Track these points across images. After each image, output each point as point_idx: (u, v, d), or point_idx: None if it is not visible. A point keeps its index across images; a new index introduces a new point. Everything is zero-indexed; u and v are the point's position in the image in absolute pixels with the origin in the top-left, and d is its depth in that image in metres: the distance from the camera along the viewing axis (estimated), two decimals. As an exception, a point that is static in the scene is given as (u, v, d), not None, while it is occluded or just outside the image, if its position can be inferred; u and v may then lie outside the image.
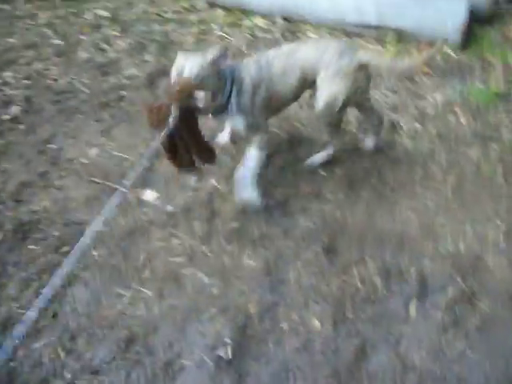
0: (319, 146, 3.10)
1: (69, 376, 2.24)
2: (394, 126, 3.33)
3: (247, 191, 2.75)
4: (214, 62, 2.51)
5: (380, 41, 4.00)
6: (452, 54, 3.90)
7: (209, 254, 2.65)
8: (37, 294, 2.48)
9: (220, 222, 2.78)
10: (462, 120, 3.36)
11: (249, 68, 2.67)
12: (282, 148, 3.18)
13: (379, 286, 2.51)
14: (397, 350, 2.29)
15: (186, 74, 2.44)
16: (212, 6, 4.46)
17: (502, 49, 4.00)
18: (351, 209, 2.84)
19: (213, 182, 2.99)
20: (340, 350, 2.29)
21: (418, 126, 3.33)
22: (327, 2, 4.05)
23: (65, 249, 2.66)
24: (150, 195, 2.94)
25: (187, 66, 2.46)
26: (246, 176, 2.75)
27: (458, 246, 2.67)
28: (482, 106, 3.47)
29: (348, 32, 4.11)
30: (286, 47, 2.82)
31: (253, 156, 2.75)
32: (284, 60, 2.70)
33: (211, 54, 2.51)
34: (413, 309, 2.44)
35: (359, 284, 2.51)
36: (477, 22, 4.14)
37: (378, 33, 4.01)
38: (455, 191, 2.93)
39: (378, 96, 3.54)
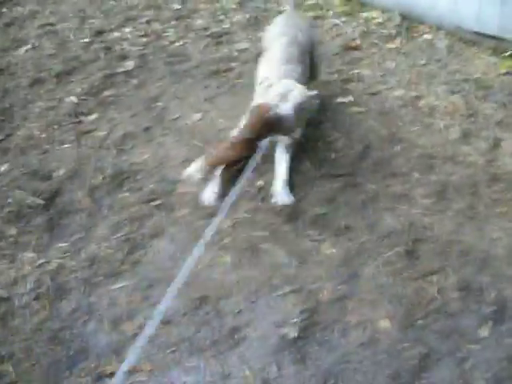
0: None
1: (141, 320, 2.37)
2: (498, 143, 3.21)
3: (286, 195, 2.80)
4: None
5: (497, 53, 3.84)
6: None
7: (290, 234, 2.70)
8: (126, 238, 2.63)
9: (307, 205, 2.82)
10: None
11: None
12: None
13: (456, 299, 2.46)
14: (462, 368, 2.24)
15: (290, 104, 2.54)
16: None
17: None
18: (440, 218, 2.78)
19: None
20: (404, 354, 2.27)
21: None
22: (448, 4, 3.93)
23: (157, 202, 2.80)
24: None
25: (294, 93, 2.57)
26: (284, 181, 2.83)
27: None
28: None
29: (465, 39, 3.98)
30: None
31: (287, 160, 2.87)
32: None
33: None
34: (486, 330, 2.37)
35: (436, 293, 2.47)
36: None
37: (497, 44, 3.86)
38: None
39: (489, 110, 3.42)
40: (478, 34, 3.91)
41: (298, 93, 2.60)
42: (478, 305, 2.45)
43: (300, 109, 2.59)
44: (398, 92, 3.51)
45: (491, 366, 2.25)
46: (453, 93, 3.54)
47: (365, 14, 4.23)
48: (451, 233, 2.71)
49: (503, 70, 3.74)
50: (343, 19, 4.18)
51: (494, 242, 2.70)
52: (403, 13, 4.14)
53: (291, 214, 2.78)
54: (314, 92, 2.72)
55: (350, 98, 3.44)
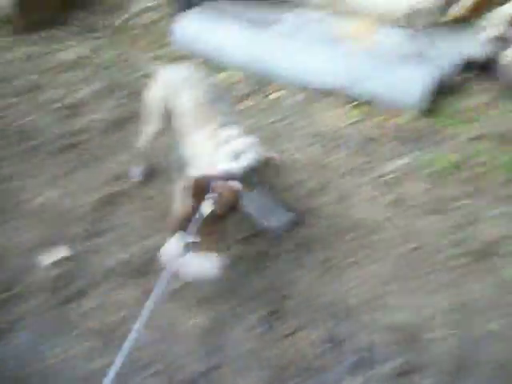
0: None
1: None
2: (351, 191, 3.39)
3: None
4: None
5: (345, 104, 4.10)
6: (414, 121, 4.02)
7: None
8: None
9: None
10: (421, 187, 3.44)
11: None
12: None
13: (322, 354, 2.50)
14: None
15: (242, 163, 2.42)
16: (182, 57, 4.53)
17: (461, 119, 4.15)
18: (302, 272, 2.85)
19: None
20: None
21: (375, 193, 3.39)
22: (300, 62, 4.14)
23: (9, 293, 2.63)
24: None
25: (246, 154, 2.44)
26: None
27: (405, 317, 2.69)
28: (441, 174, 3.56)
29: (315, 94, 4.21)
30: None
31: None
32: None
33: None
34: (355, 380, 2.44)
35: (305, 350, 2.50)
36: (441, 91, 4.31)
37: (346, 96, 4.12)
38: (409, 260, 2.97)
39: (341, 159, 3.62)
40: (326, 88, 4.16)
41: (252, 156, 2.46)
42: (345, 356, 2.51)
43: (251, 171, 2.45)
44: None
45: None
46: (308, 146, 3.70)
47: (221, 76, 4.34)
48: (312, 287, 2.78)
49: (351, 120, 4.00)
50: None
51: (354, 291, 2.80)
52: (256, 72, 4.30)
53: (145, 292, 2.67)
54: (274, 154, 2.65)
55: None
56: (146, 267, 2.80)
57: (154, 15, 5.26)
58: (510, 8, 4.47)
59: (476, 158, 3.74)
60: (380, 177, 3.51)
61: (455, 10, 4.64)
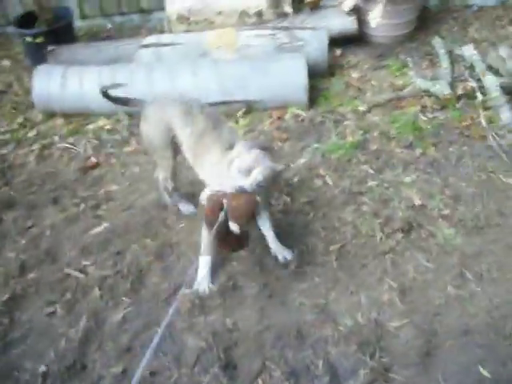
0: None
1: None
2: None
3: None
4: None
5: (230, 116, 3.91)
6: (303, 113, 3.91)
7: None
8: None
9: (101, 368, 2.45)
10: (329, 181, 3.32)
11: None
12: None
13: (293, 390, 2.31)
14: None
15: (253, 178, 2.43)
16: (50, 116, 4.16)
17: (348, 97, 4.10)
18: (240, 311, 2.62)
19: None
20: None
21: (286, 198, 3.23)
22: (167, 89, 3.91)
23: None
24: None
25: (257, 170, 2.43)
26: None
27: (357, 319, 2.56)
28: (343, 161, 3.46)
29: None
30: None
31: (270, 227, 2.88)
32: None
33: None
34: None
35: (270, 397, 2.29)
36: (319, 77, 4.24)
37: (227, 108, 3.93)
38: (340, 260, 2.83)
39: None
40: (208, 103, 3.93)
41: (260, 171, 2.45)
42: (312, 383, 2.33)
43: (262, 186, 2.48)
44: (152, 195, 3.32)
45: None
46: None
47: (91, 126, 4.02)
48: (257, 322, 2.57)
49: (244, 129, 3.83)
50: (71, 140, 3.91)
51: (300, 309, 2.62)
52: (127, 111, 4.01)
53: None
54: (281, 166, 2.64)
55: (105, 225, 3.15)
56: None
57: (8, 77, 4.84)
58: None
59: (372, 132, 3.69)
60: (289, 179, 3.36)
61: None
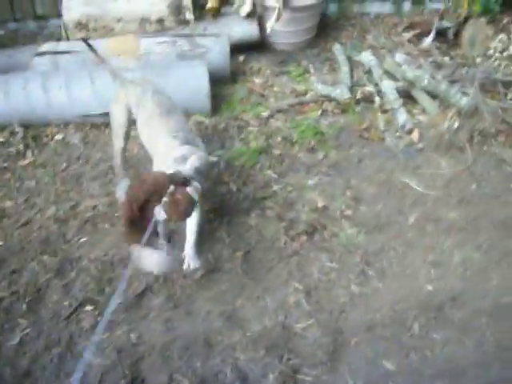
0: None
1: None
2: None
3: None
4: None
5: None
6: (206, 121, 3.88)
7: None
8: None
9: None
10: (233, 187, 3.31)
11: None
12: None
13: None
14: None
15: (190, 163, 2.44)
16: None
17: (251, 103, 4.13)
18: (145, 325, 2.55)
19: None
20: None
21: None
22: (65, 99, 3.76)
23: None
24: None
25: (193, 157, 2.46)
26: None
27: (264, 323, 2.56)
28: (247, 167, 3.47)
29: (96, 124, 3.86)
30: None
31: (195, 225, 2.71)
32: None
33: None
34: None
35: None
36: (222, 83, 4.24)
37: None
38: (246, 266, 2.82)
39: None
40: (105, 114, 3.81)
41: (196, 157, 2.50)
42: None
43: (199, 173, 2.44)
44: (51, 210, 3.17)
45: None
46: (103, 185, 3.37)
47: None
48: (163, 334, 2.50)
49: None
50: (-40, 154, 3.66)
51: (206, 318, 2.59)
52: (23, 122, 3.81)
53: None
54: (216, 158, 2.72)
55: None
56: None
57: None
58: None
59: (275, 138, 3.73)
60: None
61: (208, 5, 4.61)
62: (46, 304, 2.66)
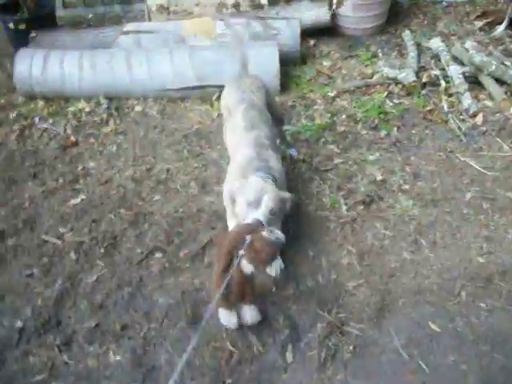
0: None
1: None
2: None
3: None
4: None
5: (205, 100, 4.09)
6: (275, 98, 4.08)
7: (70, 362, 2.45)
8: None
9: (75, 323, 2.60)
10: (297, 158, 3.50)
11: None
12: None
13: (252, 342, 2.47)
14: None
15: (264, 207, 2.37)
16: (31, 98, 4.29)
17: (318, 84, 4.28)
18: (207, 274, 2.78)
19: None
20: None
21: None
22: (146, 74, 4.08)
23: None
24: None
25: (266, 198, 2.39)
26: None
27: (318, 280, 2.73)
28: (312, 141, 3.64)
29: (173, 98, 4.15)
30: None
31: None
32: None
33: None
34: (289, 355, 2.44)
35: (231, 347, 2.45)
36: (292, 64, 4.42)
37: (202, 93, 4.10)
38: (304, 228, 3.00)
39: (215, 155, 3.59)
40: (181, 89, 4.11)
41: (269, 198, 2.40)
42: (274, 337, 2.51)
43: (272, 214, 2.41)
44: (129, 171, 3.48)
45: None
46: (176, 152, 3.65)
47: (72, 109, 4.15)
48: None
49: (216, 113, 3.97)
50: (51, 121, 4.04)
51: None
52: (107, 94, 4.17)
53: (63, 341, 2.53)
54: (287, 194, 2.55)
55: (82, 197, 3.31)
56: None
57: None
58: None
59: (340, 116, 3.88)
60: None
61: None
62: (120, 250, 2.96)
